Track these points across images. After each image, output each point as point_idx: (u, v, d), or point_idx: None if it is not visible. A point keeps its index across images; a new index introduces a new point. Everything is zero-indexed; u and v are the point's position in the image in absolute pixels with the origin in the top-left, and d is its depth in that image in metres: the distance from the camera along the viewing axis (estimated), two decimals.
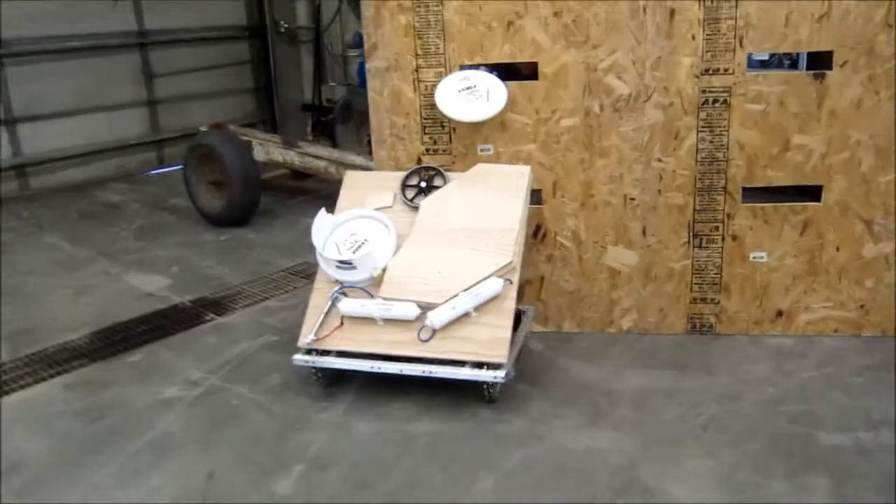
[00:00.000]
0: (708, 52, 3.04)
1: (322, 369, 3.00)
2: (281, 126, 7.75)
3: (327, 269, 3.11)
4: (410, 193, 3.25)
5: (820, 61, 3.16)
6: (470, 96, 3.12)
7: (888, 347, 3.17)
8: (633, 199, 3.26)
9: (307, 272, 4.23)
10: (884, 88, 2.98)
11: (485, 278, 2.90)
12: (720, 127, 3.12)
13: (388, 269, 3.02)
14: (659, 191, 3.23)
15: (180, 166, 5.64)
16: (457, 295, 2.86)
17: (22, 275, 4.52)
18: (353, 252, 3.11)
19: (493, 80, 3.16)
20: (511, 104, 3.22)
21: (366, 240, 3.14)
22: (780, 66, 4.48)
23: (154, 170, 7.08)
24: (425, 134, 3.34)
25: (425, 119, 3.30)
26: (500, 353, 2.80)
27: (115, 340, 3.62)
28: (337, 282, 3.07)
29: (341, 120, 6.55)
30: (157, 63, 7.06)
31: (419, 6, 3.18)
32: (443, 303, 2.87)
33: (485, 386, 2.86)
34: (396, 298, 2.93)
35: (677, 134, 3.16)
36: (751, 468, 2.47)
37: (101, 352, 3.51)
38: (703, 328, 3.38)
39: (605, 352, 3.29)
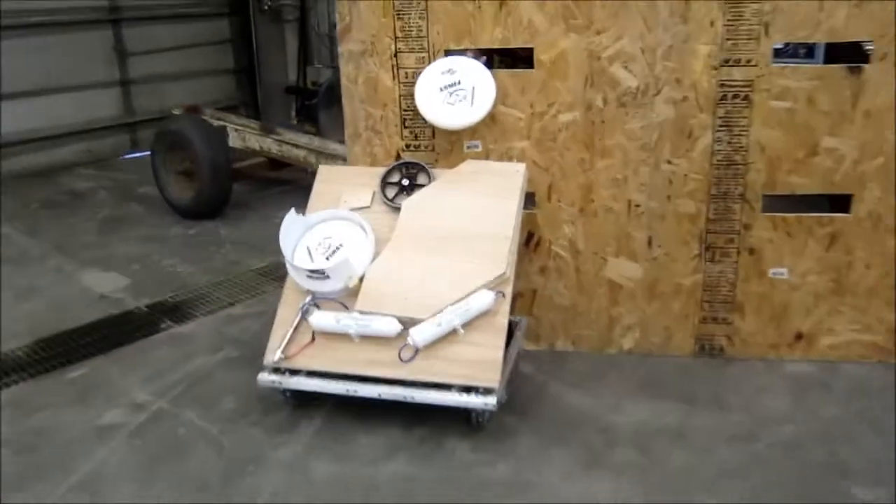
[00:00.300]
0: (728, 39, 2.65)
1: (291, 390, 2.65)
2: (263, 110, 7.32)
3: (297, 279, 2.74)
4: (391, 192, 2.88)
5: (842, 52, 2.78)
6: (453, 97, 2.74)
7: None
8: (638, 205, 2.88)
9: (277, 273, 3.84)
10: None
11: (474, 291, 2.56)
12: (740, 126, 2.74)
13: (365, 278, 2.66)
14: (668, 197, 2.86)
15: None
16: (443, 309, 2.53)
17: None
18: (327, 258, 2.75)
19: (480, 73, 2.77)
20: (502, 96, 2.83)
21: (341, 245, 2.78)
22: (794, 56, 4.09)
23: (127, 154, 6.67)
24: (405, 128, 2.95)
25: (405, 111, 2.91)
26: (491, 377, 2.47)
27: (58, 352, 3.25)
28: (308, 292, 2.71)
29: (325, 104, 6.11)
30: (131, 40, 6.61)
31: None
32: (427, 318, 2.53)
33: (473, 413, 2.52)
34: (375, 312, 2.58)
35: (690, 133, 2.78)
36: None
37: (40, 365, 3.14)
38: (712, 351, 3.02)
39: (603, 377, 2.93)
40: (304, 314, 2.64)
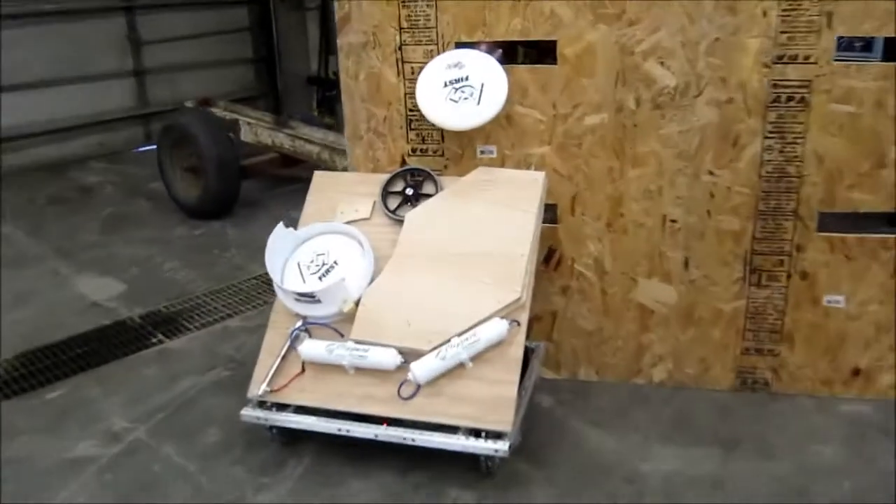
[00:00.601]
0: (784, 32, 2.29)
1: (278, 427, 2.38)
2: (283, 101, 7.06)
3: (285, 301, 2.46)
4: (394, 203, 2.58)
5: None
6: (458, 93, 2.42)
7: None
8: (674, 220, 2.54)
9: None
10: None
11: (485, 319, 2.26)
12: (794, 133, 2.38)
13: (362, 302, 2.37)
14: (708, 212, 2.51)
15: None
16: (449, 340, 2.23)
17: None
18: (320, 278, 2.46)
19: (492, 69, 2.44)
20: (520, 95, 2.51)
21: (335, 262, 2.49)
22: (848, 50, 3.66)
23: (140, 148, 6.46)
24: (411, 129, 2.64)
25: (411, 111, 2.60)
26: (503, 419, 2.17)
27: (39, 368, 3.02)
28: (298, 315, 2.42)
29: None
30: (145, 29, 6.38)
31: None
32: (430, 350, 2.23)
33: (481, 458, 2.22)
34: (372, 342, 2.30)
35: (736, 140, 2.42)
36: None
37: (18, 384, 2.91)
38: (755, 385, 2.67)
39: (630, 413, 2.60)
40: (293, 342, 2.36)
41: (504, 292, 2.30)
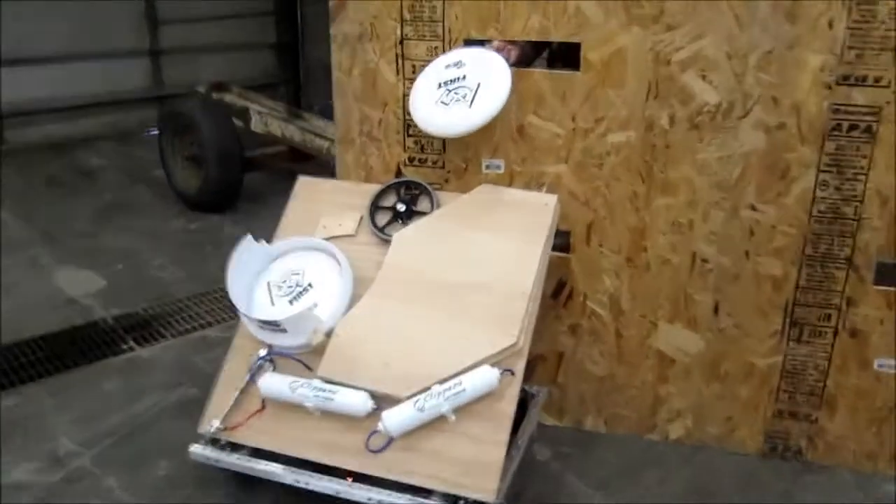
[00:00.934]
0: (852, 48, 1.92)
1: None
2: (305, 89, 6.78)
3: (249, 327, 2.16)
4: (383, 219, 2.27)
5: None
6: (450, 95, 2.08)
7: None
8: (705, 260, 2.19)
9: None
10: None
11: (473, 364, 1.94)
12: (855, 167, 2.01)
13: (334, 334, 2.06)
14: (746, 252, 2.16)
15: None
16: (429, 387, 1.92)
17: None
18: (290, 302, 2.16)
19: (491, 68, 2.10)
20: (536, 104, 2.18)
21: (310, 284, 2.19)
22: None
23: (152, 130, 6.20)
24: (409, 136, 2.32)
25: (410, 115, 2.28)
26: (486, 486, 1.85)
27: None
28: (263, 343, 2.13)
29: None
30: (164, 7, 6.13)
31: None
32: (407, 397, 1.93)
33: None
34: (342, 383, 1.99)
35: (786, 171, 2.07)
36: None
37: None
38: (786, 452, 2.31)
39: (639, 474, 2.27)
40: (254, 374, 2.06)
41: (499, 335, 1.98)
